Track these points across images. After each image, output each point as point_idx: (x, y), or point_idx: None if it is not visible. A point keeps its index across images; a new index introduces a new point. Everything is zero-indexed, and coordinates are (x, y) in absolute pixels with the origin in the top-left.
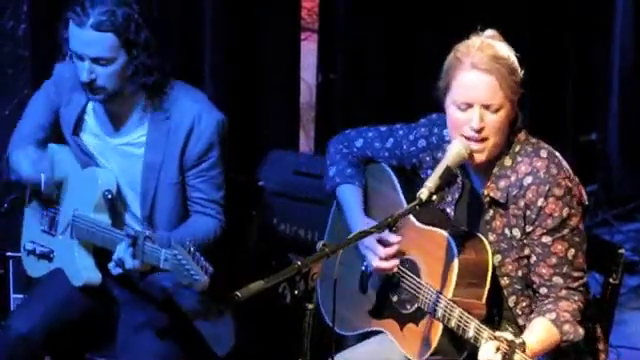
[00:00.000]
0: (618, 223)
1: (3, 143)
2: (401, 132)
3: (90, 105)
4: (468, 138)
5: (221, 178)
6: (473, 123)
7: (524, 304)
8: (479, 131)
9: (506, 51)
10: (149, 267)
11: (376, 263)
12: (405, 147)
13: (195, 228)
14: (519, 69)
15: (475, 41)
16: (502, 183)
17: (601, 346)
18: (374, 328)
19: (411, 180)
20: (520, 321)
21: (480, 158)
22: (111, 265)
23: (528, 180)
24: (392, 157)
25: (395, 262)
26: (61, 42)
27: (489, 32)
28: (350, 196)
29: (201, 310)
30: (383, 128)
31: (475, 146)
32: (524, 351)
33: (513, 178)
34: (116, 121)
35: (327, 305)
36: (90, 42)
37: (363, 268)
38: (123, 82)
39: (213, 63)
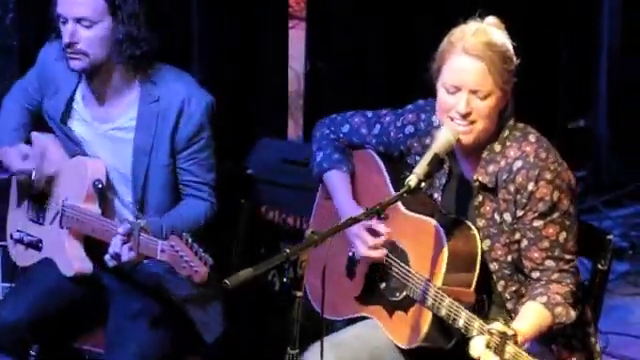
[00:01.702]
0: (607, 209)
1: None
2: (388, 118)
3: (79, 92)
4: (453, 119)
5: (212, 160)
6: (459, 107)
7: (513, 289)
8: (465, 116)
9: (501, 39)
10: (144, 257)
11: (365, 252)
12: (393, 134)
13: (186, 212)
14: (514, 58)
15: (471, 26)
16: (491, 168)
17: (590, 331)
18: (361, 314)
19: (398, 166)
20: (509, 305)
21: (467, 140)
22: (107, 258)
23: (518, 164)
24: (379, 144)
25: (384, 252)
26: (52, 17)
27: (490, 19)
28: (338, 182)
29: (191, 296)
30: (369, 114)
31: (462, 128)
32: (516, 342)
33: (502, 163)
34: (105, 106)
35: (314, 289)
36: (76, 2)
37: (350, 254)
38: (106, 50)
39: (201, 52)
